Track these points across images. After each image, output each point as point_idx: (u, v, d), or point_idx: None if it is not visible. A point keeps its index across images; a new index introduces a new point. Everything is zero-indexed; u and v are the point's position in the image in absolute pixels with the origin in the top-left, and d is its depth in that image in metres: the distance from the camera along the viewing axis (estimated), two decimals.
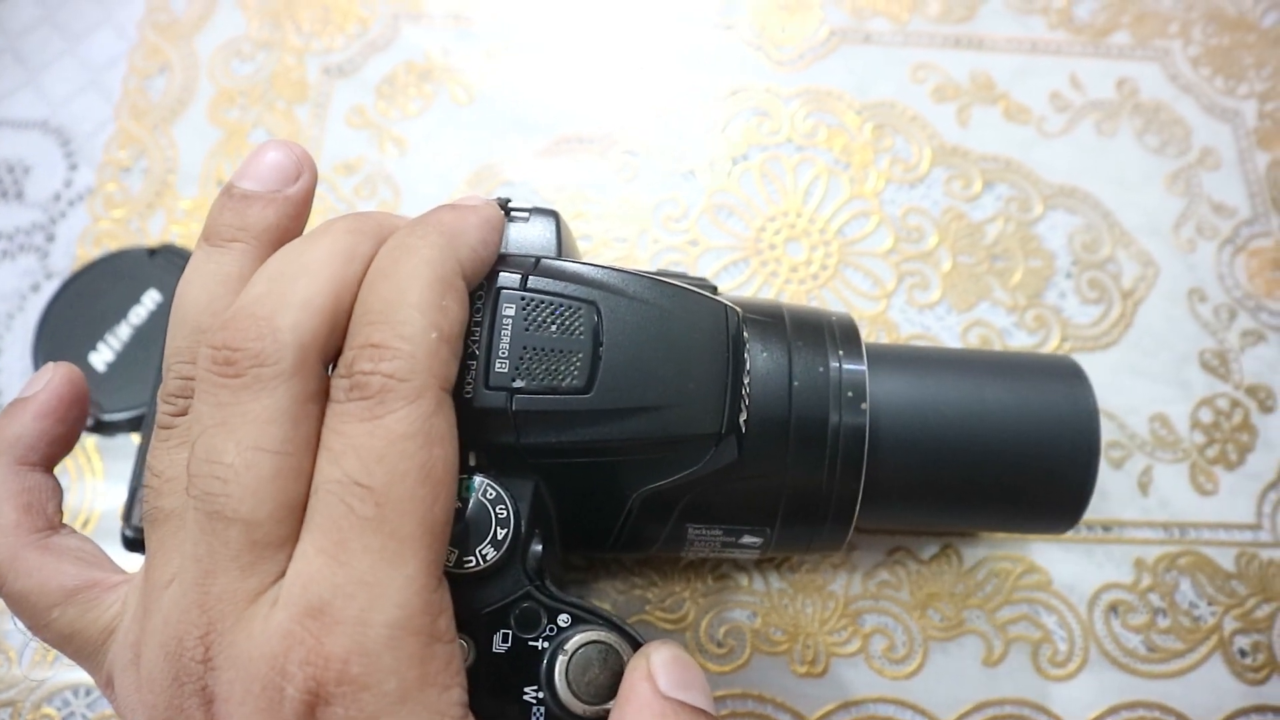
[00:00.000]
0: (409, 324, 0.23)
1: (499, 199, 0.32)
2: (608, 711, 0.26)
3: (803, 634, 0.37)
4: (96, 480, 0.39)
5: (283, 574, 0.22)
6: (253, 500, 0.22)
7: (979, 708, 0.36)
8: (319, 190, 0.44)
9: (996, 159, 0.45)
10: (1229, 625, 0.38)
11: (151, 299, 0.41)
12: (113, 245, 0.43)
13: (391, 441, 0.22)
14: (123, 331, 0.41)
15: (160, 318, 0.40)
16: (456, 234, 0.25)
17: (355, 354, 0.23)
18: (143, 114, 0.45)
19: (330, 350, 0.23)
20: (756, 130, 0.45)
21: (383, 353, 0.22)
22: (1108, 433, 0.40)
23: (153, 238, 0.43)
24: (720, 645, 0.37)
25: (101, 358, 0.40)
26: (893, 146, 0.45)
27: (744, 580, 0.38)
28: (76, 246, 0.43)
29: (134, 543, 0.35)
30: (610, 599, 0.37)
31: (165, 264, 0.41)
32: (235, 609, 0.21)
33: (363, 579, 0.21)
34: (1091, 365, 0.40)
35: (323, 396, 0.23)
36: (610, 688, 0.26)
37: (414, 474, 0.22)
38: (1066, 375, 0.32)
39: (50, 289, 0.42)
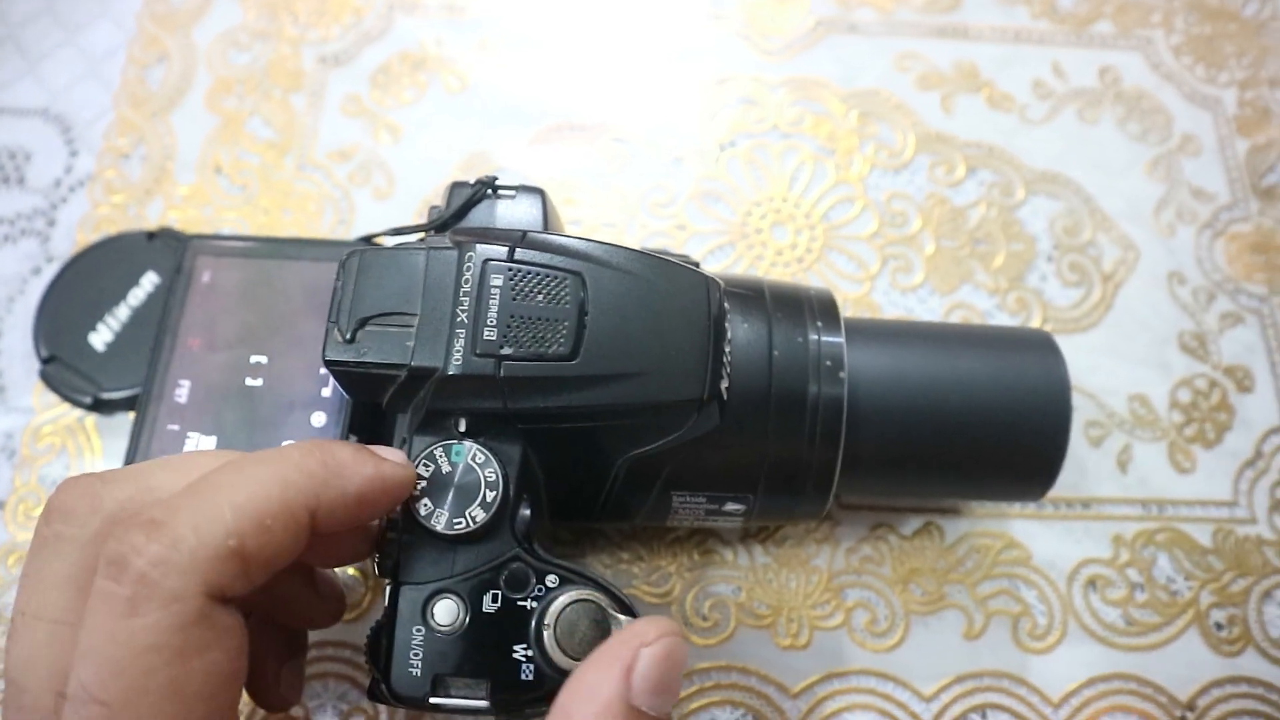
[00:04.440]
0: (208, 521, 0.21)
1: (486, 177, 0.33)
2: None
3: (786, 607, 0.38)
4: (95, 458, 0.40)
5: None
6: (22, 666, 0.21)
7: (959, 679, 0.37)
8: (314, 176, 0.45)
9: (980, 145, 0.45)
10: (1205, 599, 0.38)
11: (150, 281, 0.42)
12: (112, 230, 0.44)
13: (135, 654, 0.19)
14: (121, 312, 0.41)
15: (158, 299, 0.41)
16: (336, 473, 0.24)
17: (126, 527, 0.20)
18: (141, 102, 0.46)
19: None
20: (744, 118, 0.46)
21: (156, 536, 0.20)
22: (1088, 412, 0.41)
23: (151, 222, 0.44)
24: (705, 619, 0.37)
25: (101, 338, 0.41)
26: (877, 133, 0.46)
27: (729, 555, 0.38)
28: (76, 231, 0.44)
29: None
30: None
31: (163, 247, 0.42)
32: None
33: None
34: (1072, 347, 0.41)
35: None
36: (599, 643, 0.27)
37: (156, 692, 0.19)
38: (1039, 347, 0.33)
39: (51, 272, 0.43)
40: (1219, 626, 0.38)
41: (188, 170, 0.45)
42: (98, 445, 0.40)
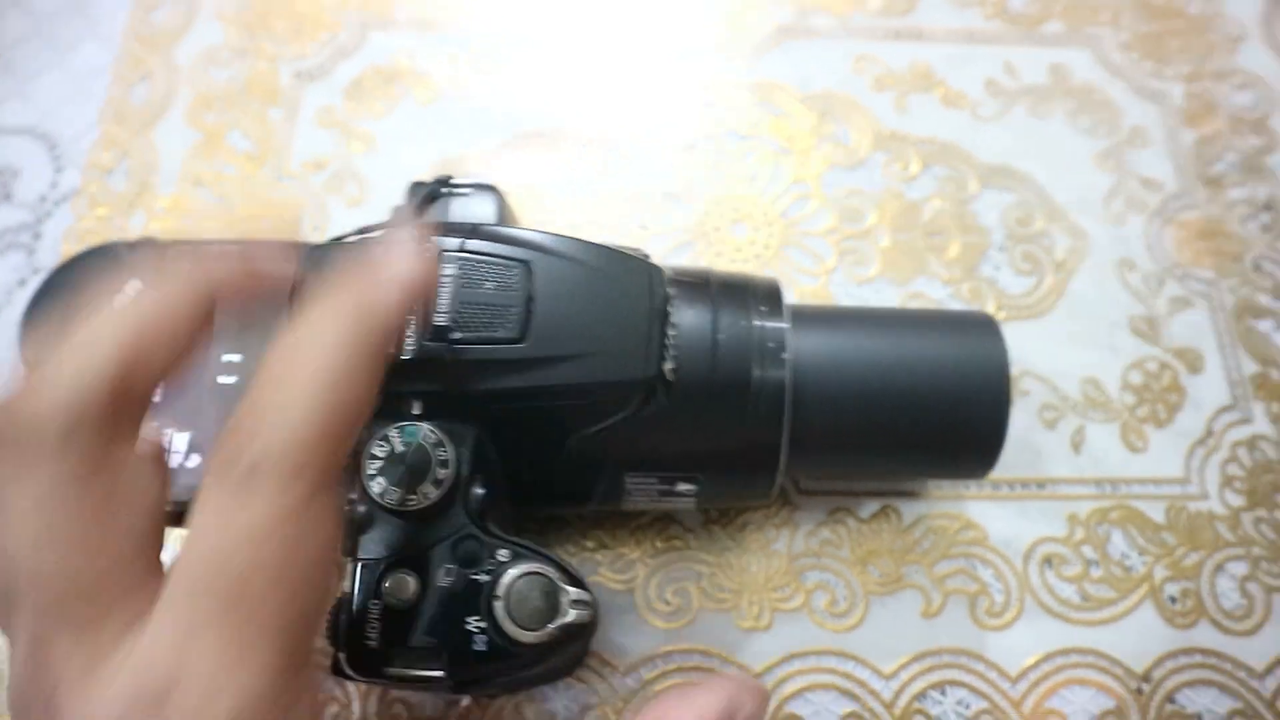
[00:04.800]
0: (295, 406, 0.21)
1: (441, 176, 0.35)
2: (548, 637, 0.28)
3: (748, 590, 0.39)
4: None
5: (126, 644, 0.20)
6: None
7: (918, 658, 0.38)
8: (290, 185, 0.46)
9: (934, 142, 0.47)
10: (1159, 574, 0.39)
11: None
12: (96, 242, 0.45)
13: (251, 532, 0.20)
14: None
15: None
16: (370, 305, 0.23)
17: (231, 429, 0.21)
18: (125, 119, 0.48)
19: (120, 417, 0.22)
20: (704, 121, 0.47)
21: (257, 431, 0.21)
22: (1041, 395, 0.42)
23: (134, 234, 0.46)
24: (668, 603, 0.39)
25: None
26: (834, 133, 0.47)
27: (691, 540, 0.39)
28: (62, 243, 0.45)
29: None
30: None
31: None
32: (76, 673, 0.20)
33: (207, 670, 0.20)
34: (1025, 333, 0.43)
35: (113, 463, 0.22)
36: (548, 613, 0.28)
37: (272, 569, 0.20)
38: (979, 327, 0.34)
39: (36, 284, 0.44)
40: (1173, 600, 0.39)
41: (169, 183, 0.47)
42: None
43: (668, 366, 0.30)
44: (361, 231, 0.36)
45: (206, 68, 0.49)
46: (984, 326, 0.35)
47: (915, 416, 0.33)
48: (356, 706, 0.37)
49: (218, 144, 0.48)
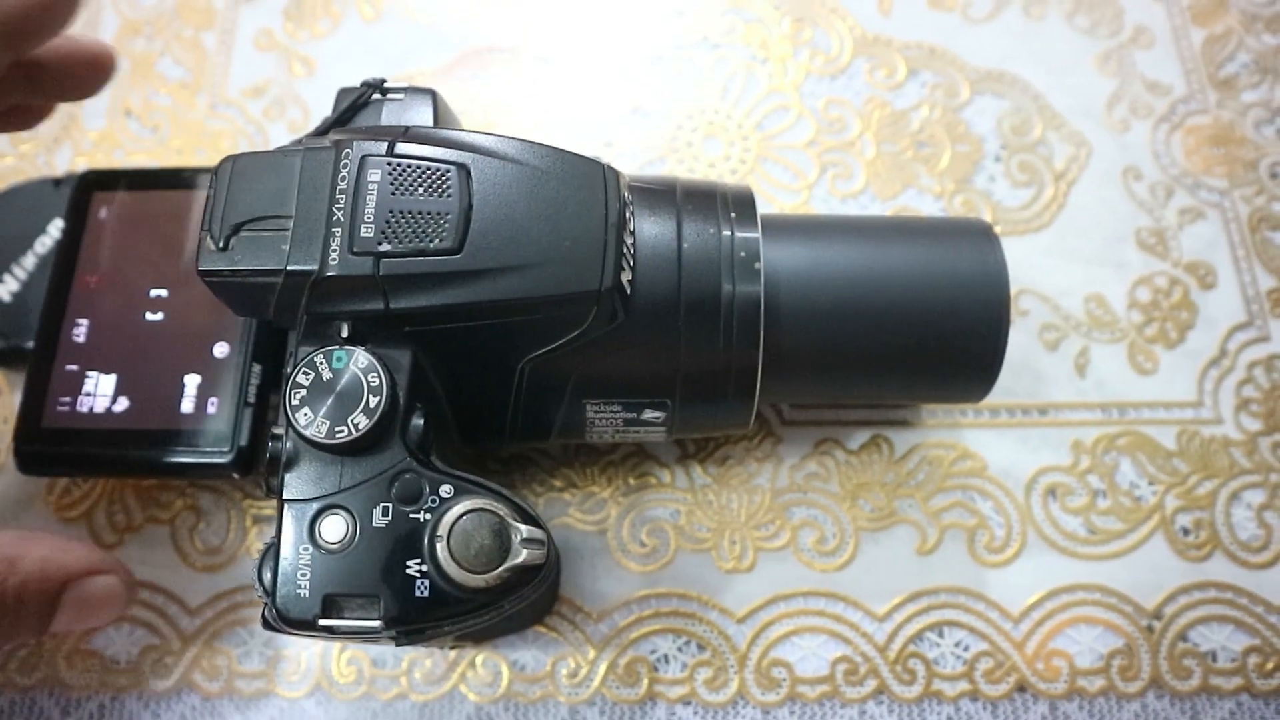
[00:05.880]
0: None
1: (374, 79, 0.31)
2: (499, 580, 0.25)
3: (728, 529, 0.36)
4: (7, 412, 0.38)
5: None
6: None
7: (912, 597, 0.35)
8: (228, 114, 0.43)
9: (920, 46, 0.43)
10: (1170, 504, 0.36)
11: (57, 228, 0.40)
12: (19, 180, 0.42)
13: None
14: (28, 261, 0.39)
15: None
16: None
17: None
18: None
19: None
20: (671, 29, 0.44)
21: None
22: (1042, 315, 0.39)
23: (60, 170, 0.42)
24: (643, 545, 0.36)
25: (7, 288, 0.39)
26: (812, 39, 0.43)
27: (665, 477, 0.36)
28: None
29: (27, 463, 0.34)
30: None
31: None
32: None
33: None
34: (1024, 248, 0.40)
35: None
36: (498, 554, 0.25)
37: None
38: (974, 234, 0.31)
39: None
40: (1185, 531, 0.36)
41: (97, 116, 0.43)
42: (7, 399, 0.38)
43: (625, 278, 0.27)
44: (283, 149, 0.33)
45: None
46: (980, 235, 0.31)
47: (904, 333, 0.30)
48: (308, 659, 0.34)
49: (148, 72, 0.44)
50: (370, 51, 0.44)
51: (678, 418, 0.30)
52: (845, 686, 0.34)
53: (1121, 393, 0.38)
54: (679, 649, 0.35)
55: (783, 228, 0.31)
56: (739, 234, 0.29)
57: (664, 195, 0.30)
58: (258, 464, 0.33)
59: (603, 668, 0.34)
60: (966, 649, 0.35)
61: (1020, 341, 0.38)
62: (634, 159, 0.41)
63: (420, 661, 0.35)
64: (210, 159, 0.42)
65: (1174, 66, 0.43)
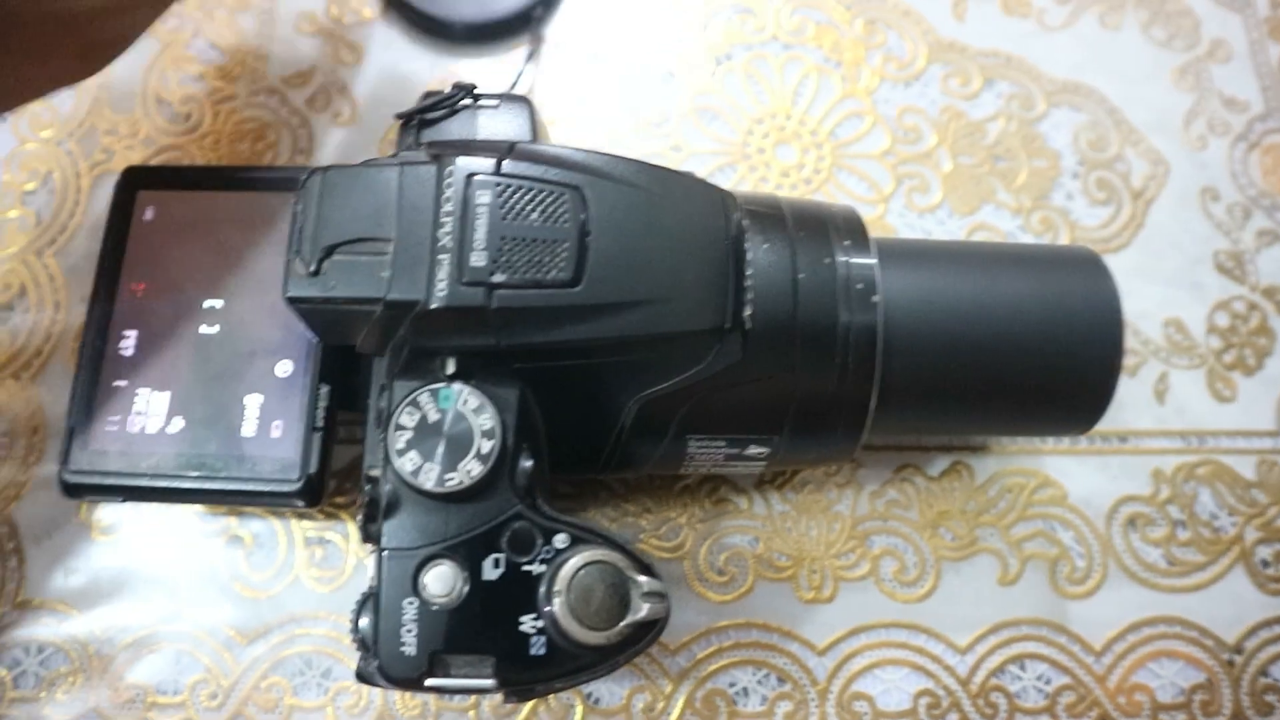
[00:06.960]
0: None
1: (463, 82, 0.29)
2: (618, 637, 0.23)
3: (808, 558, 0.35)
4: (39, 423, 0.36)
5: None
6: None
7: (995, 629, 0.34)
8: (270, 103, 0.40)
9: (996, 54, 0.42)
10: (1250, 535, 0.36)
11: None
12: (42, 169, 0.39)
13: None
14: None
15: None
16: None
17: None
18: None
19: None
20: (740, 28, 0.42)
21: None
22: None
23: (85, 159, 0.39)
24: (721, 573, 0.34)
25: None
26: (885, 43, 0.42)
27: (743, 503, 0.35)
28: (3, 171, 0.39)
29: (72, 488, 0.31)
30: None
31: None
32: None
33: None
34: None
35: None
36: (618, 610, 0.23)
37: None
38: (1085, 265, 0.30)
39: None
40: (1265, 564, 0.36)
41: (126, 101, 0.40)
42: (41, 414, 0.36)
43: (746, 314, 0.26)
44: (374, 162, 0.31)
45: None
46: (1089, 264, 0.30)
47: (1017, 366, 0.29)
48: (370, 691, 0.33)
49: (180, 53, 0.41)
50: (422, 40, 0.41)
51: (782, 452, 0.29)
52: None
53: (1201, 420, 0.37)
54: (759, 681, 0.34)
55: (894, 253, 0.29)
56: (854, 260, 0.28)
57: (775, 220, 0.28)
58: (324, 493, 0.31)
59: (680, 701, 0.33)
60: (1049, 682, 0.34)
61: None
62: (704, 163, 0.39)
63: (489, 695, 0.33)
64: (248, 151, 0.39)
65: (1251, 82, 0.42)
